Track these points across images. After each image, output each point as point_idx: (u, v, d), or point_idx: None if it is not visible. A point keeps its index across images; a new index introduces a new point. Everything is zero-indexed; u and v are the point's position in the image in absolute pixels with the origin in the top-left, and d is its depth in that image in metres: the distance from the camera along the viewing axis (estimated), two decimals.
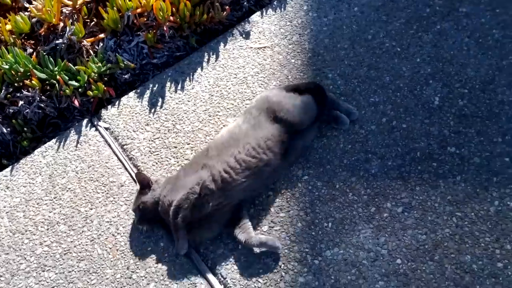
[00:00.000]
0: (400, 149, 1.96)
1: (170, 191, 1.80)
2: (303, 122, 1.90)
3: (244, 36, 2.41)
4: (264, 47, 2.35)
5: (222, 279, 1.75)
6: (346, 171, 1.93)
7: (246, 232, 1.77)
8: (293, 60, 2.27)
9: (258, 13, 2.47)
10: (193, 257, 1.81)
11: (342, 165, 1.94)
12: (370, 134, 2.01)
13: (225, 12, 2.44)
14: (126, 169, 2.07)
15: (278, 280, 1.72)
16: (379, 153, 1.96)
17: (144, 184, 1.87)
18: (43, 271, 1.87)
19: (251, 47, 2.36)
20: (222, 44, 2.40)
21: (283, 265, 1.75)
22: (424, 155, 1.93)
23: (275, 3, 2.49)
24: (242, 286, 1.73)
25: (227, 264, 1.78)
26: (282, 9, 2.46)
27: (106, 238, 1.91)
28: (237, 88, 2.24)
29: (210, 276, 1.76)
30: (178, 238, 1.77)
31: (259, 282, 1.73)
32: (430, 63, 2.17)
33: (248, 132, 1.85)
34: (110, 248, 1.88)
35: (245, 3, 2.51)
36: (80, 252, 1.89)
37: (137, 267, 1.83)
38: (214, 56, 2.37)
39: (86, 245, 1.90)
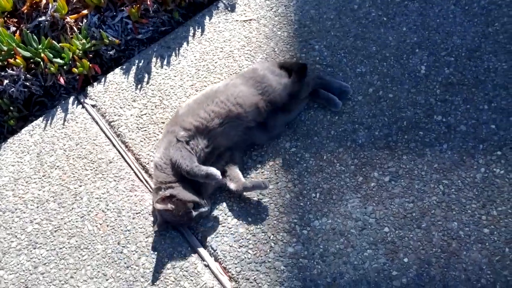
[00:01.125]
0: (386, 119, 1.96)
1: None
2: (283, 100, 1.91)
3: (229, 9, 2.38)
4: (250, 19, 2.33)
5: (212, 251, 1.77)
6: (333, 142, 1.93)
7: (236, 180, 1.82)
8: (279, 32, 2.26)
9: None
10: (183, 230, 1.83)
11: (329, 136, 1.95)
12: (357, 104, 2.01)
13: None
14: (114, 145, 2.07)
15: (268, 250, 1.74)
16: (366, 124, 1.96)
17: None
18: (34, 248, 1.88)
19: (237, 20, 2.33)
20: (207, 17, 2.38)
21: (272, 236, 1.77)
22: (411, 124, 1.94)
23: None
24: (232, 258, 1.75)
25: (217, 237, 1.79)
26: None
27: (96, 214, 1.92)
28: (223, 62, 2.22)
29: (200, 249, 1.78)
30: (202, 171, 1.75)
31: (249, 253, 1.75)
32: (416, 31, 2.16)
33: (219, 90, 1.92)
34: (100, 224, 1.89)
35: None
36: (70, 229, 1.90)
37: (128, 241, 1.84)
38: (200, 30, 2.34)
39: (76, 221, 1.91)
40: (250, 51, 2.23)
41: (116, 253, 1.82)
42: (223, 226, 1.82)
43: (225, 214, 1.84)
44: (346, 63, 2.12)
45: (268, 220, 1.80)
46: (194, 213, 1.74)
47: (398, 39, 2.15)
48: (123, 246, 1.83)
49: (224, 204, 1.86)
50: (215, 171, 1.75)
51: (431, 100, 1.98)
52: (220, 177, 1.76)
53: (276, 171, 1.90)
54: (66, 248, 1.86)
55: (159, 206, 1.71)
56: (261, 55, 2.20)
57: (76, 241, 1.87)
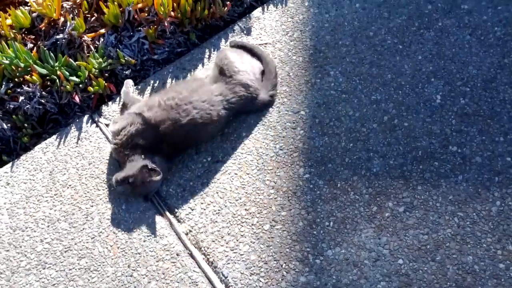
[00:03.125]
0: (401, 148, 1.96)
1: None
2: None
3: (245, 32, 2.39)
4: (266, 43, 2.33)
5: (223, 278, 1.76)
6: (347, 169, 1.93)
7: None
8: (294, 57, 2.26)
9: (260, 9, 2.46)
10: (195, 255, 1.81)
11: (343, 163, 1.94)
12: (371, 132, 2.00)
13: (226, 8, 2.42)
14: None
15: (280, 279, 1.72)
16: (380, 152, 1.95)
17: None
18: (44, 268, 1.87)
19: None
20: (223, 40, 2.39)
21: (284, 264, 1.75)
22: (426, 154, 1.93)
23: None
24: (243, 285, 1.73)
25: (228, 263, 1.78)
26: (284, 5, 2.44)
27: (107, 236, 1.91)
28: None
29: (211, 275, 1.76)
30: None
31: (260, 281, 1.73)
32: (432, 60, 2.16)
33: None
34: (111, 246, 1.88)
35: None
36: (80, 250, 1.89)
37: (138, 265, 1.83)
38: (215, 52, 2.35)
39: (87, 242, 1.90)
40: None
41: (126, 276, 1.81)
42: (234, 253, 1.80)
43: (237, 240, 1.83)
44: (361, 89, 2.12)
45: (280, 248, 1.79)
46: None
47: (413, 68, 2.15)
48: (133, 269, 1.82)
49: (236, 230, 1.85)
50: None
51: (447, 130, 1.97)
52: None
53: (289, 198, 1.89)
54: (75, 269, 1.85)
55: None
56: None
57: (86, 263, 1.86)
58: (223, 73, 2.06)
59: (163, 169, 1.93)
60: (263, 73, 2.17)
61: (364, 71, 2.16)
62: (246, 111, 2.10)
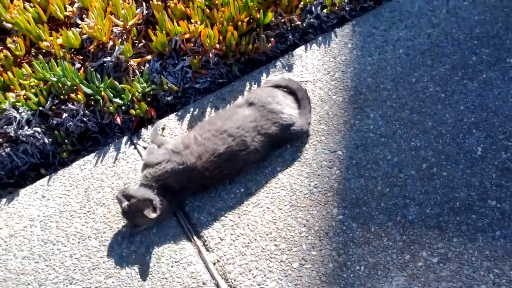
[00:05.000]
0: (439, 197, 1.92)
1: None
2: None
3: (287, 68, 2.42)
4: (306, 81, 2.36)
5: None
6: (382, 214, 1.90)
7: None
8: (334, 97, 2.28)
9: (303, 47, 2.49)
10: (221, 286, 1.80)
11: (379, 208, 1.92)
12: (409, 179, 1.98)
13: (270, 44, 2.47)
14: None
15: None
16: (417, 200, 1.92)
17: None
18: (71, 283, 1.88)
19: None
20: (264, 74, 2.42)
21: None
22: (464, 206, 1.89)
23: (320, 38, 2.50)
24: None
25: None
26: (327, 45, 2.47)
27: (135, 258, 1.91)
28: None
29: None
30: None
31: None
32: (474, 111, 2.15)
33: None
34: (139, 268, 1.88)
35: (290, 36, 2.53)
36: (108, 269, 1.89)
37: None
38: (256, 85, 2.38)
39: (115, 262, 1.91)
40: None
41: None
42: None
43: (265, 275, 1.81)
44: (401, 135, 2.11)
45: None
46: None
47: (455, 117, 2.13)
48: None
49: (265, 265, 1.83)
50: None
51: (486, 184, 1.94)
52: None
53: (321, 237, 1.87)
54: None
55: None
56: (314, 117, 2.22)
57: (113, 282, 1.86)
58: (254, 104, 2.08)
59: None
60: (298, 104, 2.18)
61: (404, 117, 2.16)
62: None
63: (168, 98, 2.38)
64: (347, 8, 2.58)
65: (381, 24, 2.48)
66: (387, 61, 2.36)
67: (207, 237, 1.93)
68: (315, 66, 2.41)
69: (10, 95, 2.29)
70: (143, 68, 2.41)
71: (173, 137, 2.24)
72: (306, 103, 2.17)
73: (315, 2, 2.56)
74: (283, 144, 2.11)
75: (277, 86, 2.24)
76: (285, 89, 2.22)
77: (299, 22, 2.53)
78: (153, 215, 1.85)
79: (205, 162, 1.94)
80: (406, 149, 2.06)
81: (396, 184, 1.97)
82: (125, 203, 1.89)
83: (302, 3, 2.56)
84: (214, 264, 1.87)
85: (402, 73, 2.31)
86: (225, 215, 1.97)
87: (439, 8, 2.49)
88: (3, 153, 2.21)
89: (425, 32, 2.42)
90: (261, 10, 2.43)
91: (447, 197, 1.92)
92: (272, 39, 2.48)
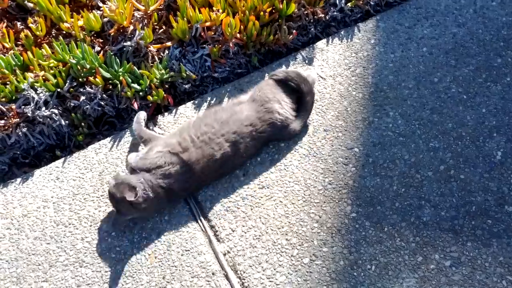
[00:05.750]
0: (455, 200, 1.89)
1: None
2: None
3: (307, 61, 2.40)
4: (322, 78, 2.33)
5: None
6: (396, 214, 1.88)
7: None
8: (354, 93, 2.25)
9: (324, 40, 2.46)
10: (230, 278, 1.79)
11: (393, 208, 1.89)
12: (426, 180, 1.95)
13: (291, 36, 2.44)
14: None
15: None
16: (433, 201, 1.90)
17: None
18: (81, 266, 1.89)
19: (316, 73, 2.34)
20: (284, 66, 2.40)
21: None
22: (480, 210, 1.86)
23: (342, 32, 2.47)
24: None
25: None
26: (349, 40, 2.44)
27: (146, 244, 1.91)
28: None
29: None
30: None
31: None
32: (496, 115, 2.10)
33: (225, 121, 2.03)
34: (149, 255, 1.89)
35: (312, 29, 2.50)
36: (119, 254, 1.90)
37: (173, 278, 1.82)
38: None
39: (126, 247, 1.91)
40: (322, 106, 2.22)
41: (159, 287, 1.80)
42: (270, 281, 1.77)
43: (274, 269, 1.80)
44: (420, 135, 2.07)
45: (317, 284, 1.75)
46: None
47: (476, 120, 2.09)
48: (168, 282, 1.81)
49: (275, 258, 1.82)
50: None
51: (504, 189, 1.90)
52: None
53: (333, 234, 1.85)
54: (111, 272, 1.86)
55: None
56: (333, 112, 2.19)
57: (123, 267, 1.87)
58: (255, 101, 2.07)
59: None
60: (300, 103, 2.13)
61: (424, 117, 2.12)
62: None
63: (186, 86, 2.36)
64: (372, 3, 2.54)
65: (406, 20, 2.44)
66: (410, 59, 2.32)
67: (218, 227, 1.92)
68: (336, 60, 2.38)
69: (29, 75, 2.29)
70: (163, 55, 2.40)
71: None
72: (309, 106, 2.12)
73: None
74: (275, 140, 2.13)
75: (287, 80, 2.13)
76: (294, 85, 2.13)
77: (322, 15, 2.49)
78: (131, 198, 1.81)
79: (203, 167, 1.93)
80: (424, 150, 2.03)
81: (412, 184, 1.94)
82: (112, 183, 1.89)
83: None
84: (224, 255, 1.86)
85: (425, 72, 2.27)
86: (238, 206, 1.96)
87: (466, 8, 2.44)
88: (20, 133, 2.22)
89: (451, 31, 2.37)
90: (284, 1, 2.40)
91: (463, 200, 1.89)
92: (294, 31, 2.45)
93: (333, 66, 2.36)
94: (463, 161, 1.99)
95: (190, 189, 1.99)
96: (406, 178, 1.96)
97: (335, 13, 2.51)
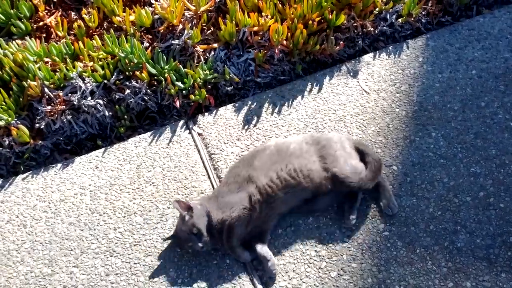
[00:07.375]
0: (492, 229, 1.84)
1: (217, 209, 1.84)
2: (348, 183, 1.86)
3: (352, 74, 2.38)
4: (367, 92, 2.30)
5: None
6: (430, 237, 1.84)
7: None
8: (397, 110, 2.22)
9: (371, 54, 2.44)
10: (255, 282, 1.80)
11: (427, 230, 1.86)
12: (463, 205, 1.90)
13: (338, 47, 2.43)
14: (209, 177, 2.10)
15: None
16: (469, 228, 1.85)
17: (186, 210, 1.85)
18: (111, 256, 1.93)
19: (360, 86, 2.32)
20: (328, 77, 2.39)
21: None
22: None
23: (390, 48, 2.44)
24: None
25: None
26: (396, 56, 2.41)
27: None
28: (333, 125, 2.21)
29: None
30: (238, 253, 1.83)
31: None
32: None
33: (294, 153, 1.91)
34: (178, 251, 1.91)
35: (360, 42, 2.48)
36: (149, 247, 1.93)
37: (199, 276, 1.84)
38: (317, 87, 2.35)
39: (156, 241, 1.94)
40: (363, 120, 2.20)
41: (186, 286, 1.82)
42: None
43: (301, 279, 1.79)
44: (461, 159, 2.03)
45: None
46: (193, 239, 1.79)
47: None
48: (194, 280, 1.83)
49: (302, 269, 1.82)
50: (247, 258, 1.83)
51: None
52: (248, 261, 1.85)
53: (363, 251, 1.83)
54: (140, 264, 1.89)
55: (176, 203, 1.81)
56: (374, 127, 2.17)
57: (151, 261, 1.89)
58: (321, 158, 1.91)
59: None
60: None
61: (468, 140, 2.07)
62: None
63: (228, 88, 2.39)
64: (423, 20, 2.51)
65: (457, 41, 2.39)
66: (458, 80, 2.28)
67: None
68: (381, 75, 2.35)
69: (79, 64, 2.36)
70: (208, 56, 2.43)
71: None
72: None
73: (391, 10, 2.50)
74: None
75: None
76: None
77: (372, 28, 2.47)
78: (186, 215, 1.82)
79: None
80: (465, 174, 1.98)
81: (449, 208, 1.90)
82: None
83: (377, 9, 2.50)
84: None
85: (472, 95, 2.22)
86: None
87: None
88: (64, 120, 2.29)
89: (502, 55, 2.32)
90: (334, 12, 2.40)
91: (500, 229, 1.84)
92: (341, 42, 2.44)
93: (378, 81, 2.33)
94: (504, 189, 1.93)
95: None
96: (444, 202, 1.92)
97: (384, 27, 2.48)
